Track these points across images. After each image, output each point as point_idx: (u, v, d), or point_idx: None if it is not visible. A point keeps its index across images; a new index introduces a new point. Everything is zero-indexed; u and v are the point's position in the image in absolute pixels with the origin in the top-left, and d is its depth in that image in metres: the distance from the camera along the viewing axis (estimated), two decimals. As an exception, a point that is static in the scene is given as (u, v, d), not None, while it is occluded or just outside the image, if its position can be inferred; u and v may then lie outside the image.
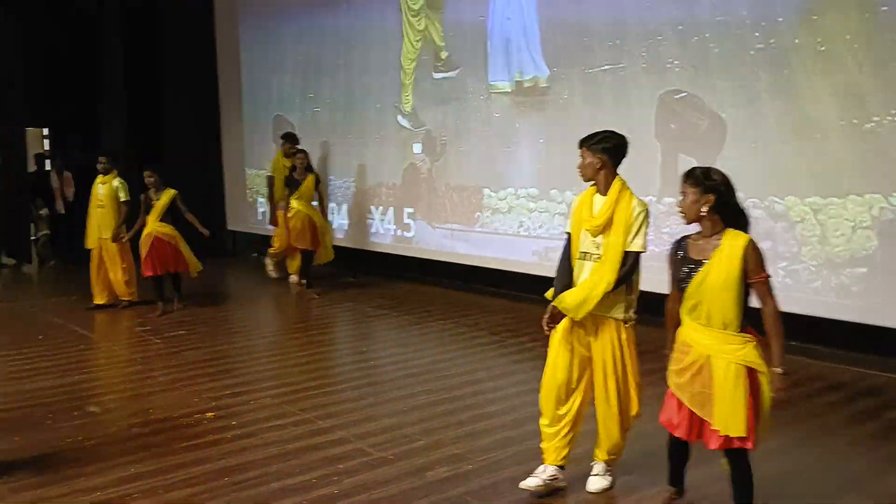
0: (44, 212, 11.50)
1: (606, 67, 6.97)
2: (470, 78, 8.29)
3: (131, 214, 8.03)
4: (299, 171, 8.69)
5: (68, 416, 4.84)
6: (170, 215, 7.75)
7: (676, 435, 3.20)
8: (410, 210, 9.13)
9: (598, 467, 3.69)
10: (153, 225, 7.69)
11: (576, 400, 3.67)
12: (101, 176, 8.11)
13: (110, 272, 8.07)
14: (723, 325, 3.02)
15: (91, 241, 8.14)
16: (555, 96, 7.47)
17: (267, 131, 11.10)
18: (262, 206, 11.51)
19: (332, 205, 9.99)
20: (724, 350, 3.01)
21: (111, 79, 11.90)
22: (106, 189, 8.03)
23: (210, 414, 4.85)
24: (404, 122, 9.10)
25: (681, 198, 3.15)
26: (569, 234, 3.71)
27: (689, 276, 3.08)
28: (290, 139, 9.33)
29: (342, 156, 9.96)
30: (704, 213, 3.06)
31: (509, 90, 7.93)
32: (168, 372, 5.84)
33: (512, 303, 7.98)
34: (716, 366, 3.02)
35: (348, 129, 9.85)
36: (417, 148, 8.98)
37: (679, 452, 3.36)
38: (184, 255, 7.86)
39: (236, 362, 6.20)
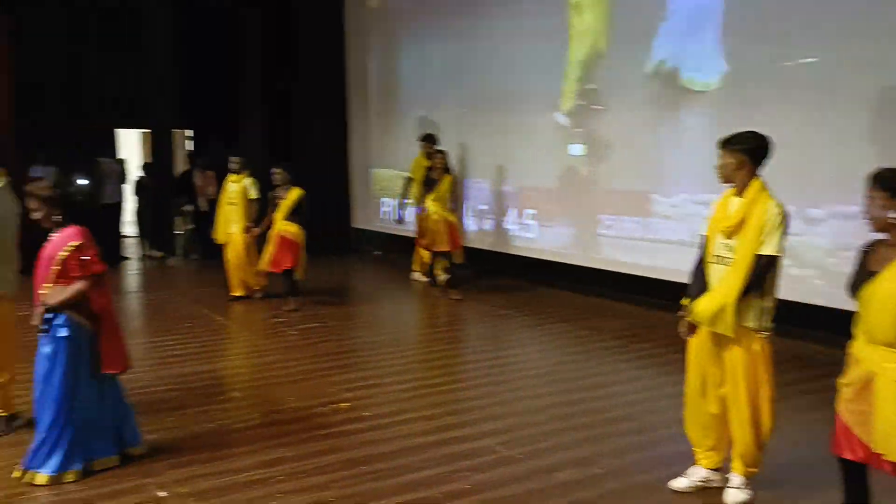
0: (188, 208, 12.27)
1: (804, 60, 6.21)
2: (638, 74, 7.59)
3: (261, 212, 8.42)
4: (437, 172, 8.71)
5: (215, 400, 5.19)
6: (296, 215, 7.98)
7: (851, 458, 2.94)
8: (559, 213, 8.73)
9: (735, 479, 3.61)
10: (279, 223, 7.98)
11: (716, 408, 3.61)
12: (233, 175, 8.58)
13: (236, 266, 8.50)
14: (887, 342, 2.81)
15: (220, 236, 8.63)
16: (739, 93, 6.71)
17: (404, 131, 10.95)
18: (387, 205, 11.85)
19: (475, 206, 9.86)
20: (887, 368, 2.81)
21: (250, 80, 12.55)
22: (237, 187, 8.49)
23: (344, 405, 5.06)
24: (563, 121, 8.56)
25: (868, 203, 2.91)
26: (704, 236, 3.66)
27: (860, 286, 2.90)
28: (429, 140, 9.35)
29: (490, 157, 9.61)
30: (894, 220, 2.84)
31: (686, 86, 7.22)
32: (303, 362, 6.13)
33: (635, 307, 7.86)
34: (879, 384, 2.83)
35: (498, 130, 9.46)
36: (576, 150, 8.48)
37: (858, 482, 3.01)
38: (299, 256, 7.96)
39: (365, 356, 6.43)
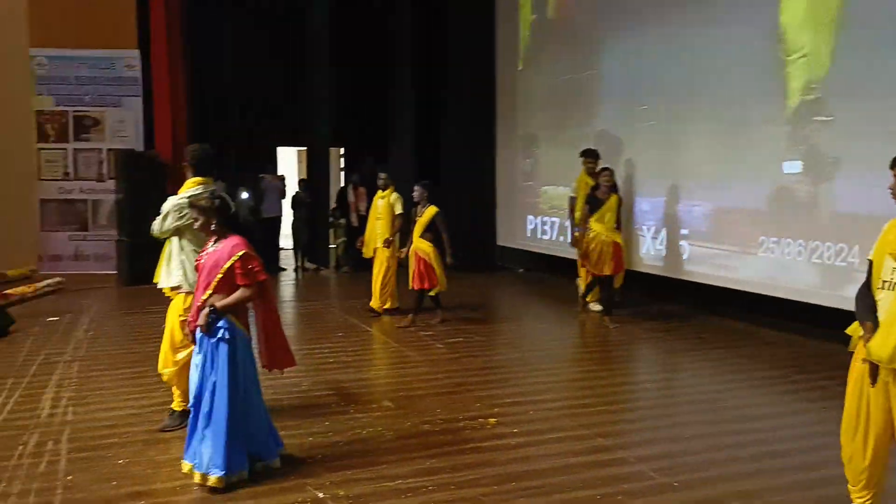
0: (342, 221, 12.78)
1: None
2: (883, 76, 6.51)
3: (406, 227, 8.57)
4: (603, 191, 8.17)
5: (368, 408, 5.33)
6: (430, 232, 8.07)
7: None
8: (755, 235, 7.77)
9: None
10: (414, 241, 8.13)
11: (876, 446, 3.34)
12: (380, 191, 8.82)
13: (375, 279, 8.70)
14: None
15: (369, 251, 8.88)
16: None
17: (578, 146, 9.79)
18: (531, 222, 11.82)
19: (643, 226, 9.23)
20: None
21: (401, 99, 12.95)
22: (384, 203, 8.72)
23: (492, 420, 5.07)
24: (780, 131, 7.51)
25: None
26: (871, 260, 3.40)
27: None
28: (590, 155, 8.83)
29: (676, 176, 8.79)
30: None
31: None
32: (451, 376, 6.20)
33: (795, 336, 7.41)
34: None
35: (688, 145, 8.63)
36: (793, 167, 7.41)
37: None
38: (435, 273, 8.02)
39: (512, 372, 6.41)
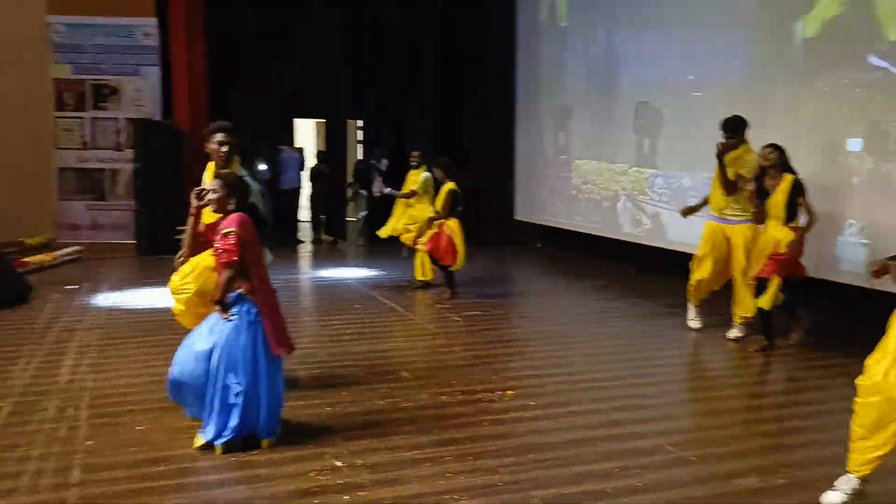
0: (363, 193, 12.66)
1: None
2: None
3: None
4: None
5: (385, 379, 5.33)
6: (447, 208, 8.06)
7: None
8: None
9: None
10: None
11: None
12: (412, 170, 8.78)
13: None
14: None
15: (386, 230, 9.00)
16: None
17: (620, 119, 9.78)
18: (550, 196, 11.67)
19: None
20: None
21: (422, 72, 12.80)
22: (416, 183, 8.69)
23: (510, 392, 5.06)
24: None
25: None
26: None
27: None
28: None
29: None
30: None
31: None
32: (468, 348, 6.19)
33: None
34: None
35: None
36: None
37: None
38: (456, 249, 7.96)
39: (528, 345, 6.40)
